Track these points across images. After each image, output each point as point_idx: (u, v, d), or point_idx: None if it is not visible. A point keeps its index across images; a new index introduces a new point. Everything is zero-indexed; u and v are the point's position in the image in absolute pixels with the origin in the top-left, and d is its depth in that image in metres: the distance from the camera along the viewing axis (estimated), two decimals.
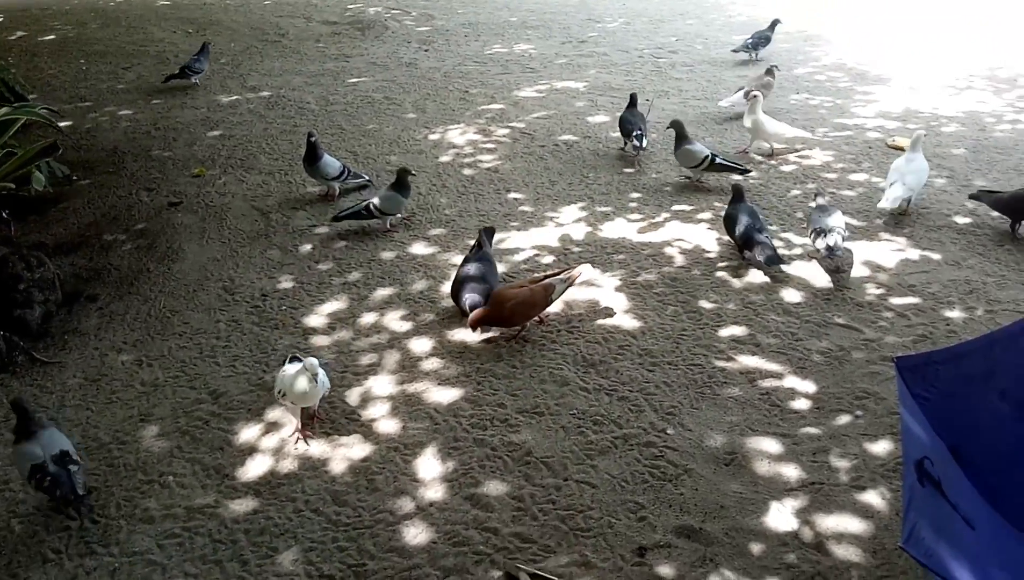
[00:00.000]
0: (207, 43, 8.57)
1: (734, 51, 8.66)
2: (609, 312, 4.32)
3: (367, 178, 5.91)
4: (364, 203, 5.26)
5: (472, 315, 4.01)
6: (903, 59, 8.48)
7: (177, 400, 3.84)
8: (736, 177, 5.51)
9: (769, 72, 6.98)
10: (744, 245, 4.63)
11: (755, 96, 5.96)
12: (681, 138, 5.68)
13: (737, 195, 4.83)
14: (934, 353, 2.76)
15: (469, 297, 4.14)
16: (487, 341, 4.12)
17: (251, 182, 6.03)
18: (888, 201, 4.97)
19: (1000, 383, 2.85)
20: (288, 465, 3.41)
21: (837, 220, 4.58)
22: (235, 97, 7.90)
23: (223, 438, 3.58)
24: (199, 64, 8.24)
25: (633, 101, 6.27)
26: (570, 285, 4.22)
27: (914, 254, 4.72)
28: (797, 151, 6.08)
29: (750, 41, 8.62)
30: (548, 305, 4.14)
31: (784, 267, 4.56)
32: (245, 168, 6.27)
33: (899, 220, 5.09)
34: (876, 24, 10.10)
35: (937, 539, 2.32)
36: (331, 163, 5.70)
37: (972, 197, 5.09)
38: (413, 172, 5.48)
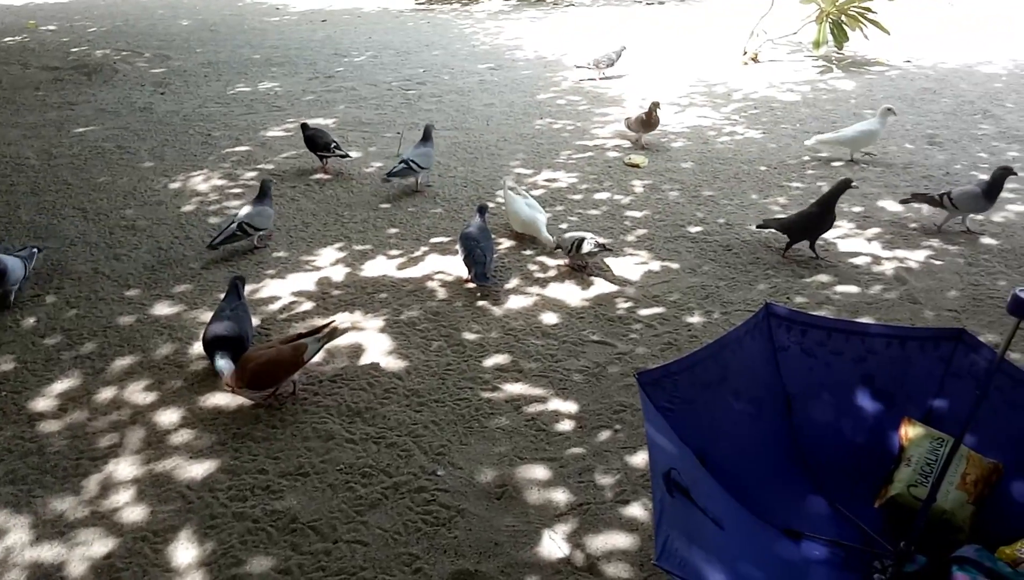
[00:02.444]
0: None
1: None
2: (373, 355, 4.21)
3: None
4: (233, 224, 5.13)
5: (232, 380, 3.75)
6: (633, 80, 9.10)
7: None
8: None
9: None
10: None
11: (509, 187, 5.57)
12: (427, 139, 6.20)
13: (480, 210, 5.09)
14: (671, 365, 2.91)
15: (221, 361, 3.84)
16: (244, 404, 3.86)
17: None
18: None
19: (733, 384, 3.06)
20: (15, 578, 2.98)
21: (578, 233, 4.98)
22: None
23: None
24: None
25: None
26: (328, 340, 4.00)
27: (656, 265, 5.03)
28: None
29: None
30: (300, 365, 3.85)
31: (542, 291, 4.68)
32: None
33: (640, 236, 5.41)
34: (604, 46, 10.78)
35: (690, 547, 2.41)
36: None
37: (760, 226, 5.28)
38: (273, 180, 5.56)
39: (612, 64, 9.08)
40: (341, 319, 4.29)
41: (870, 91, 8.97)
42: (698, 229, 5.47)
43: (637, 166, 6.52)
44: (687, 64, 9.14)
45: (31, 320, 4.59)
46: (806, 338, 3.14)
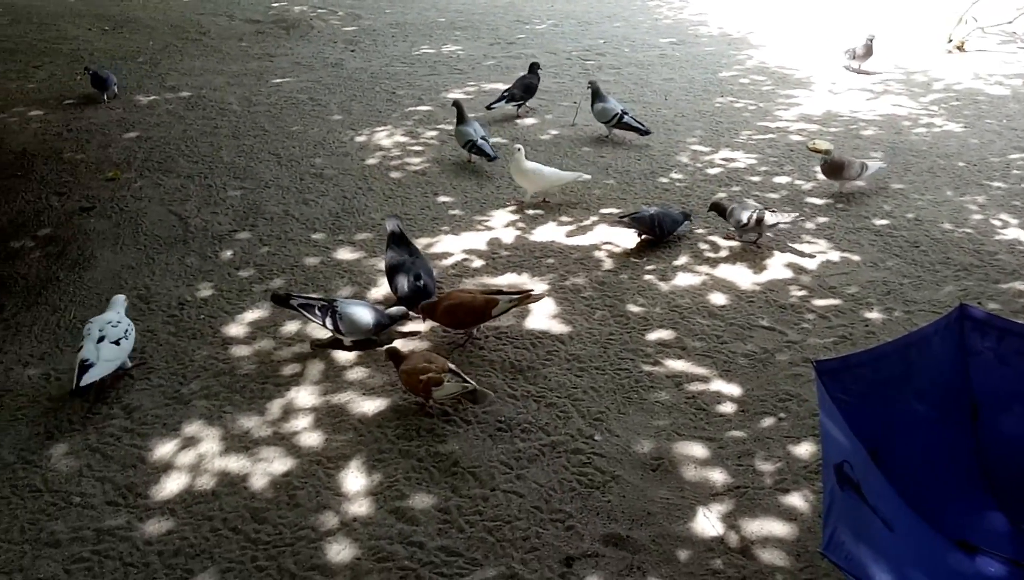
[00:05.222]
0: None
1: (489, 107, 7.04)
2: (537, 318, 4.29)
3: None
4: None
5: (425, 302, 4.01)
6: (823, 63, 8.68)
7: (87, 416, 3.66)
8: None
9: None
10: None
11: (518, 149, 5.43)
12: (597, 95, 6.38)
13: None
14: (852, 356, 2.80)
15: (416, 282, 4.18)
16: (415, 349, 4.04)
17: (168, 186, 5.83)
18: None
19: (916, 385, 2.91)
20: (205, 482, 3.28)
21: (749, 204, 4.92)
22: (153, 97, 7.63)
23: (136, 455, 3.43)
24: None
25: (461, 111, 6.10)
26: (517, 305, 4.06)
27: (835, 256, 4.82)
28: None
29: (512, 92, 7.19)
30: (487, 318, 4.01)
31: (711, 271, 4.62)
32: (162, 171, 6.06)
33: (820, 224, 5.20)
34: (798, 28, 10.33)
35: (857, 543, 2.34)
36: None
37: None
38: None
39: (857, 57, 8.41)
40: (540, 295, 4.31)
41: None
42: (884, 222, 5.19)
43: (822, 152, 6.24)
44: (885, 49, 8.60)
45: (228, 253, 4.97)
46: (1002, 345, 2.92)
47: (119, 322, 3.84)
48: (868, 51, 8.26)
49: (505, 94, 7.07)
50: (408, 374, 3.54)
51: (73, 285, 4.66)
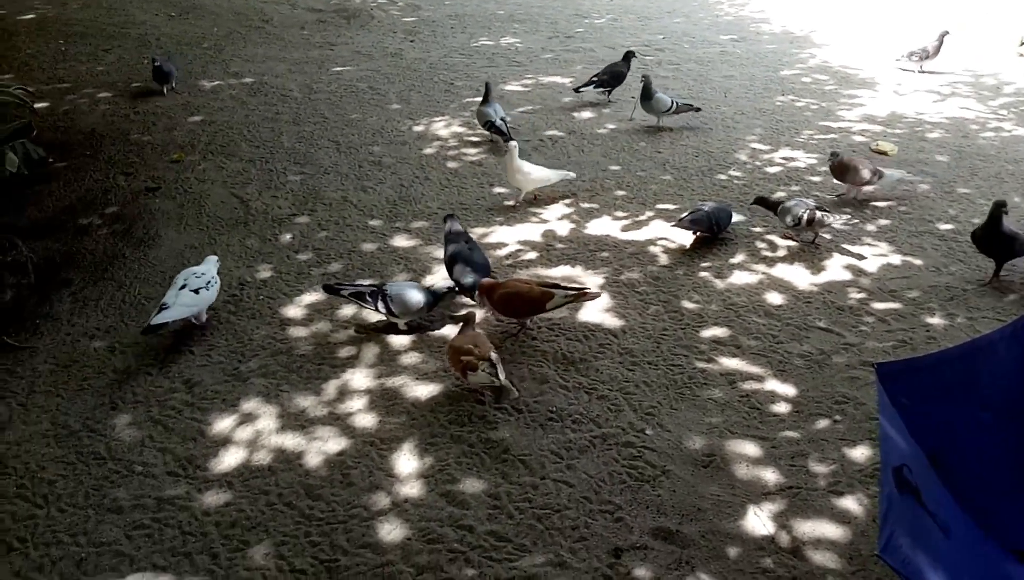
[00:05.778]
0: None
1: (577, 90, 7.33)
2: (590, 311, 4.29)
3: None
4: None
5: (485, 280, 4.04)
6: (888, 63, 8.50)
7: (150, 388, 3.77)
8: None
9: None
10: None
11: (511, 146, 5.33)
12: (647, 91, 6.45)
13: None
14: (914, 360, 2.76)
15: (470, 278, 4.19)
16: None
17: (231, 169, 5.95)
18: None
19: (979, 392, 2.85)
20: (262, 457, 3.36)
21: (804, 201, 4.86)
22: (217, 83, 7.79)
23: (196, 428, 3.52)
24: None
25: (487, 92, 6.37)
26: (572, 301, 4.03)
27: (896, 259, 4.73)
28: None
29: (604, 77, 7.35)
30: (541, 310, 3.98)
31: (768, 270, 4.57)
32: (225, 155, 6.18)
33: (882, 226, 5.11)
34: (862, 27, 10.13)
35: (914, 547, 2.31)
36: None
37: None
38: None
39: (929, 56, 8.21)
40: (566, 274, 4.36)
41: None
42: (948, 227, 5.07)
43: (885, 153, 6.12)
44: (953, 50, 8.38)
45: (287, 236, 5.06)
46: None
47: (203, 274, 4.13)
48: (937, 50, 8.07)
49: (594, 79, 7.23)
50: (453, 350, 3.60)
51: (138, 262, 4.79)
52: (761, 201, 5.01)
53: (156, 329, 3.89)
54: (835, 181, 5.47)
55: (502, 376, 3.50)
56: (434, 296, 4.12)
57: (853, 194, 5.43)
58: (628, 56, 7.33)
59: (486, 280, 4.09)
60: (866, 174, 5.24)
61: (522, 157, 5.34)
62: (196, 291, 4.01)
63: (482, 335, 3.75)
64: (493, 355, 3.55)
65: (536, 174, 5.41)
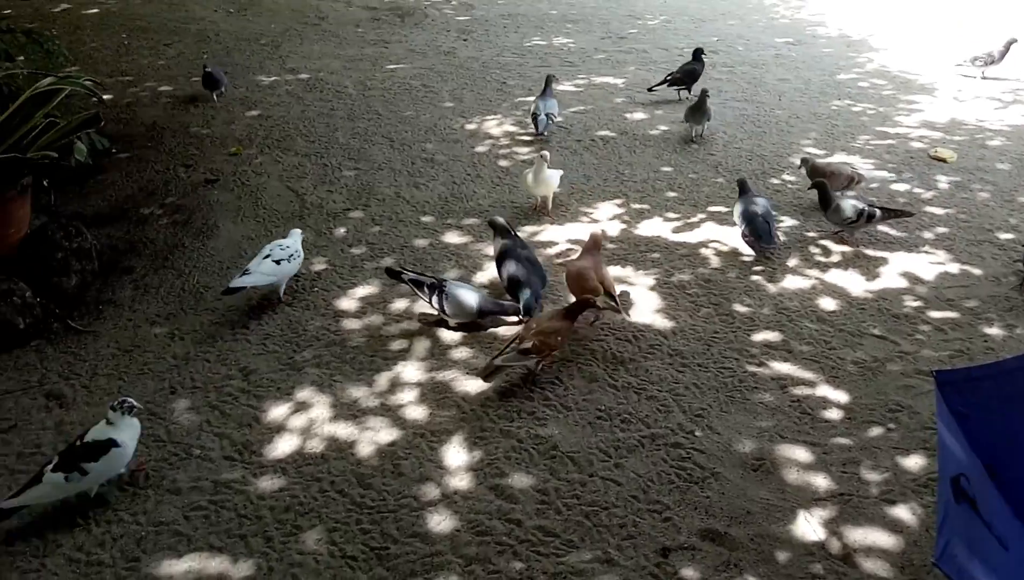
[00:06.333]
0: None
1: (650, 89, 7.42)
2: (640, 311, 4.29)
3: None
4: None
5: (588, 296, 3.95)
6: (948, 68, 8.34)
7: (208, 375, 3.87)
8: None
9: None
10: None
11: (543, 156, 5.16)
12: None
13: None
14: (974, 368, 2.72)
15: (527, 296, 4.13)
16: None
17: (287, 163, 6.06)
18: None
19: None
20: (315, 445, 3.43)
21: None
22: (274, 78, 7.93)
23: (252, 415, 3.61)
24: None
25: (547, 85, 6.53)
26: (610, 308, 4.11)
27: (954, 268, 4.65)
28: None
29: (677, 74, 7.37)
30: (591, 293, 3.99)
31: (822, 276, 4.54)
32: (282, 149, 6.30)
33: (940, 234, 5.02)
34: (922, 31, 9.94)
35: (970, 557, 2.28)
36: None
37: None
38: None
39: (994, 62, 8.04)
40: (616, 274, 4.37)
41: None
42: (1009, 236, 4.97)
43: (944, 160, 6.02)
44: (1019, 56, 8.18)
45: (342, 230, 5.14)
46: None
47: (287, 246, 4.35)
48: (1002, 56, 7.89)
49: (668, 77, 7.29)
50: (538, 329, 3.70)
51: (197, 252, 4.91)
52: (819, 187, 4.88)
53: (234, 291, 4.16)
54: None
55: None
56: (495, 306, 4.14)
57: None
58: (698, 53, 7.32)
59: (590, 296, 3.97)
60: (843, 181, 5.23)
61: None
62: (278, 262, 4.24)
63: (567, 326, 3.80)
64: (556, 349, 3.71)
65: (554, 180, 5.31)
